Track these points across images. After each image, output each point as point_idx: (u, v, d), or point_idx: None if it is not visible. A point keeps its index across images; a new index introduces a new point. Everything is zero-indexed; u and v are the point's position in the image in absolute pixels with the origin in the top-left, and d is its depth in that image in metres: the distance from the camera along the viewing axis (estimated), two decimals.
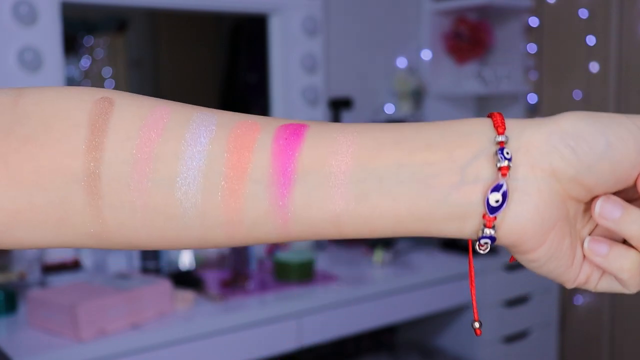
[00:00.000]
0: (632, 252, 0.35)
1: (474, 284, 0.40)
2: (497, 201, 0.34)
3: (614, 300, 2.54)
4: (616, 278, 0.36)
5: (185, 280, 1.86)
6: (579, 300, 2.64)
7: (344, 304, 1.88)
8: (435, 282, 2.08)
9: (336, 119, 2.45)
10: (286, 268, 1.91)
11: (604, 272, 0.37)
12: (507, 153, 0.33)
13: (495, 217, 0.34)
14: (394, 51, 2.69)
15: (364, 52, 2.61)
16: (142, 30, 3.07)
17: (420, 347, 2.45)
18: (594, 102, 2.57)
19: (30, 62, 1.85)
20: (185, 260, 1.98)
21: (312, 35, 2.38)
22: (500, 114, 0.35)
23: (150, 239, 0.37)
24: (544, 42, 2.72)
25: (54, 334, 1.53)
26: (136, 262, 2.03)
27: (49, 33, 1.89)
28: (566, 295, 2.63)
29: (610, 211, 0.34)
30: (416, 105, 2.71)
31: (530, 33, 2.75)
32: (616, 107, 2.51)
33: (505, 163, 0.33)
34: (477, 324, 0.39)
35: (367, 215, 0.35)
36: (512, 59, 2.79)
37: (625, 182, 0.34)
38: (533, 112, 2.78)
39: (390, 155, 0.35)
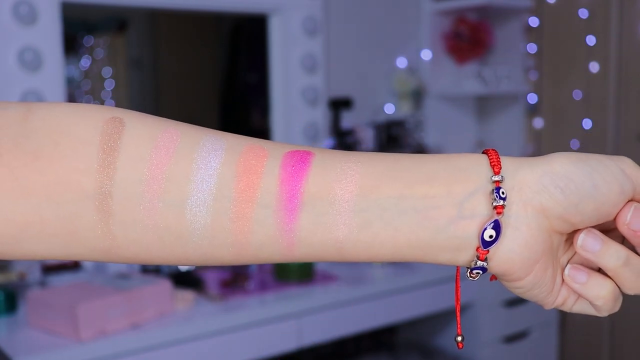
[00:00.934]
0: (608, 281, 0.38)
1: (459, 306, 0.43)
2: (491, 236, 0.37)
3: None
4: (591, 304, 0.40)
5: (185, 280, 1.86)
6: None
7: (344, 304, 1.88)
8: (435, 282, 2.08)
9: (336, 119, 2.45)
10: (286, 268, 1.91)
11: (579, 296, 0.40)
12: (503, 193, 0.37)
13: (488, 251, 0.37)
14: (394, 51, 2.69)
15: (364, 52, 2.61)
16: (142, 30, 3.07)
17: (420, 347, 2.45)
18: (594, 102, 2.57)
19: (30, 62, 1.85)
20: None
21: (312, 35, 2.38)
22: (495, 151, 0.38)
23: (159, 256, 0.38)
24: (544, 42, 2.72)
25: (54, 334, 1.53)
26: None
27: (49, 33, 1.89)
28: None
29: (591, 245, 0.37)
30: (416, 105, 2.71)
31: (530, 33, 2.75)
32: (616, 107, 2.51)
33: (501, 202, 0.36)
34: (459, 338, 0.43)
35: (368, 242, 0.37)
36: (512, 59, 2.79)
37: (606, 218, 0.38)
38: (533, 112, 2.78)
39: (392, 187, 0.37)
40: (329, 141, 2.46)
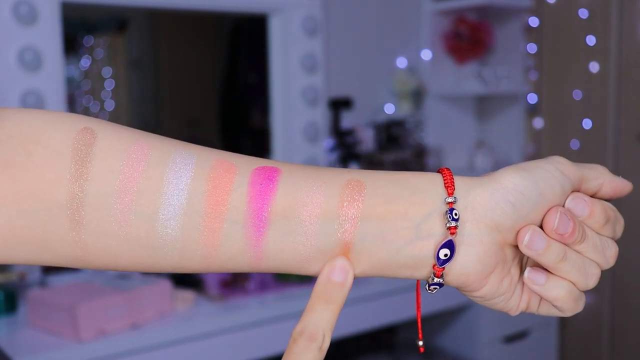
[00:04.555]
0: (565, 282, 0.40)
1: (420, 314, 0.45)
2: (445, 255, 0.39)
3: (614, 300, 2.54)
4: (553, 305, 0.41)
5: (185, 280, 1.86)
6: None
7: (344, 304, 1.88)
8: None
9: (336, 119, 2.45)
10: None
11: (541, 298, 0.42)
12: (456, 214, 0.39)
13: (443, 268, 0.39)
14: (394, 51, 2.69)
15: (364, 52, 2.61)
16: (142, 30, 3.07)
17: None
18: (594, 102, 2.57)
19: (30, 62, 1.85)
20: None
21: (312, 35, 2.38)
22: (449, 171, 0.40)
23: (129, 264, 0.40)
24: (544, 42, 2.72)
25: (54, 334, 1.53)
26: None
27: (49, 33, 1.89)
28: None
29: (536, 244, 0.39)
30: (416, 105, 2.71)
31: (530, 33, 2.75)
32: (616, 107, 2.51)
33: (454, 224, 0.38)
34: (420, 343, 0.46)
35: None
36: (512, 59, 2.79)
37: None
38: (533, 112, 2.79)
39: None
40: (329, 141, 2.47)
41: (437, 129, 2.80)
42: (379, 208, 0.39)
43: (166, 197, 0.38)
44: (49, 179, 0.37)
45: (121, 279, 1.69)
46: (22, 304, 1.71)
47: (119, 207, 0.38)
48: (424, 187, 0.40)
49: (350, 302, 1.89)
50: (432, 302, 2.09)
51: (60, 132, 0.38)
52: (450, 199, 0.39)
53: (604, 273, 0.42)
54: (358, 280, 1.96)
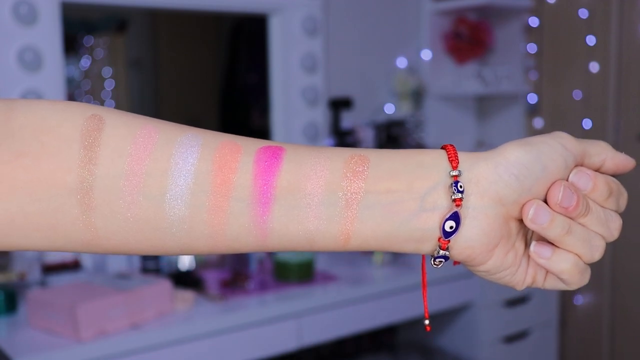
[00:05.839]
0: (571, 255, 0.40)
1: (426, 291, 0.46)
2: (451, 227, 0.39)
3: (614, 300, 2.54)
4: (559, 278, 0.41)
5: (185, 280, 1.86)
6: (579, 300, 2.64)
7: (343, 304, 1.88)
8: (435, 282, 2.08)
9: (336, 119, 2.45)
10: (286, 268, 1.91)
11: (547, 272, 0.42)
12: (461, 186, 0.39)
13: (449, 240, 0.40)
14: (394, 51, 2.69)
15: (364, 52, 2.61)
16: (142, 30, 3.07)
17: (420, 347, 2.45)
18: (594, 102, 2.57)
19: (30, 62, 1.85)
20: (185, 261, 1.98)
21: (312, 35, 2.38)
22: (453, 147, 0.41)
23: (138, 247, 0.40)
24: (544, 42, 2.72)
25: (54, 334, 1.53)
26: (136, 262, 2.03)
27: (49, 33, 1.89)
28: (566, 295, 2.63)
29: (541, 217, 0.39)
30: (416, 105, 2.71)
31: (530, 33, 2.75)
32: (616, 107, 2.51)
33: (459, 195, 0.39)
34: (427, 322, 0.45)
35: (337, 234, 0.40)
36: (512, 59, 2.79)
37: None
38: (533, 112, 2.79)
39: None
40: (329, 141, 2.46)
41: (437, 129, 2.80)
42: (384, 181, 0.40)
43: (173, 177, 0.39)
44: (60, 166, 0.38)
45: (121, 279, 1.69)
46: (22, 304, 1.71)
47: (127, 189, 0.39)
48: (428, 161, 0.40)
49: (350, 302, 1.89)
50: (433, 302, 2.09)
51: (69, 120, 0.39)
52: (454, 172, 0.39)
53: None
54: (358, 280, 1.96)
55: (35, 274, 1.83)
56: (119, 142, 0.39)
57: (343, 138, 2.45)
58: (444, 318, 2.35)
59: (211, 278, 1.95)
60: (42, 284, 1.83)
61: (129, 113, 0.41)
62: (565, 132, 0.41)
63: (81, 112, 0.40)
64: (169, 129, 0.40)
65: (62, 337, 1.51)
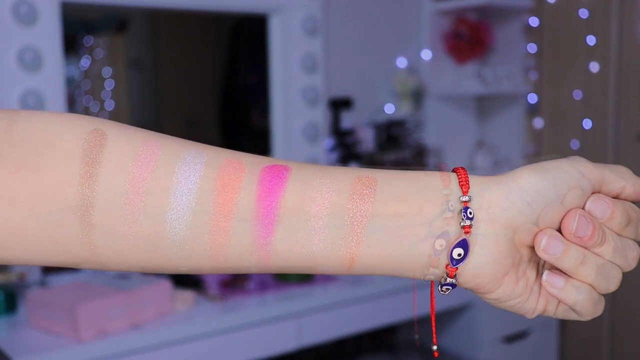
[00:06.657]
0: (585, 286, 0.39)
1: (434, 317, 0.45)
2: (459, 255, 0.38)
3: (614, 300, 2.54)
4: (571, 309, 0.40)
5: (185, 280, 1.86)
6: None
7: (343, 304, 1.88)
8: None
9: (336, 119, 2.45)
10: None
11: (559, 301, 0.41)
12: (470, 213, 0.38)
13: (457, 268, 0.38)
14: (394, 51, 2.69)
15: (364, 52, 2.61)
16: (142, 30, 3.07)
17: (420, 347, 2.45)
18: (594, 102, 2.57)
19: (30, 62, 1.85)
20: None
21: (312, 35, 2.38)
22: (464, 170, 0.39)
23: (139, 264, 0.40)
24: (544, 42, 2.72)
25: (54, 334, 1.53)
26: None
27: (49, 33, 1.89)
28: None
29: (553, 248, 0.38)
30: (416, 105, 2.71)
31: (530, 33, 2.75)
32: (616, 107, 2.51)
33: (468, 222, 0.37)
34: (435, 347, 0.45)
35: (341, 258, 0.38)
36: (512, 59, 2.79)
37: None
38: (533, 112, 2.78)
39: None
40: (329, 141, 2.46)
41: (437, 129, 2.80)
42: (392, 204, 0.38)
43: (175, 196, 0.38)
44: (60, 180, 0.37)
45: (121, 279, 1.69)
46: (22, 304, 1.71)
47: (128, 207, 0.38)
48: (437, 185, 0.39)
49: (350, 302, 1.89)
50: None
51: (71, 134, 0.38)
52: (465, 198, 0.38)
53: None
54: (358, 280, 1.96)
55: (35, 274, 1.83)
56: (121, 158, 0.38)
57: (343, 138, 2.45)
58: (444, 318, 2.35)
59: (211, 278, 1.95)
60: (42, 284, 1.83)
61: (132, 127, 0.40)
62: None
63: (84, 126, 0.39)
64: (172, 145, 0.39)
65: (62, 337, 1.51)
